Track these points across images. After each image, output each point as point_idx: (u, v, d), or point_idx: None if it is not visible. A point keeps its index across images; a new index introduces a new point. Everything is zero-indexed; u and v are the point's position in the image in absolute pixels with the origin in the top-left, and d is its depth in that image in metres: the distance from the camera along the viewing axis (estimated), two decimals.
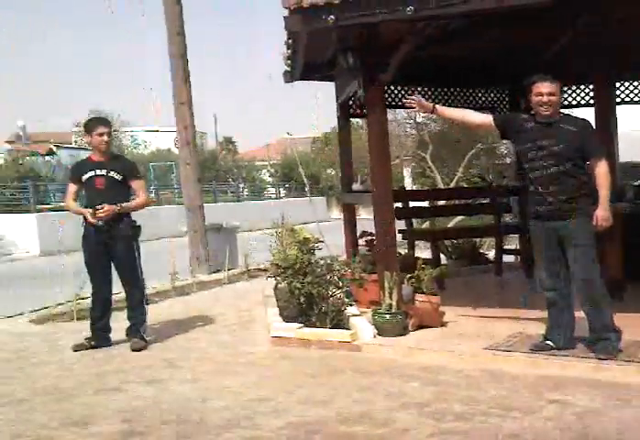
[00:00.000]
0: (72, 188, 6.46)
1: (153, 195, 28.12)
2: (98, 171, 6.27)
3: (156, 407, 4.49)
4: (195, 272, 11.42)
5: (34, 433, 4.07)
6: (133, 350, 6.19)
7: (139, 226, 6.42)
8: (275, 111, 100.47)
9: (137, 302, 6.43)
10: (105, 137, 6.29)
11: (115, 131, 47.67)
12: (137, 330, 6.38)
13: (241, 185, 36.02)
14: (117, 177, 6.28)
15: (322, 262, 6.47)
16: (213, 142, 48.64)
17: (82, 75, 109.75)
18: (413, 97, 5.54)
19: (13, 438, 4.00)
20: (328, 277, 6.36)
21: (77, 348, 6.30)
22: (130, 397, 4.76)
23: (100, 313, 6.43)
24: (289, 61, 7.60)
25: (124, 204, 6.21)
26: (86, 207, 6.25)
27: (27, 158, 26.44)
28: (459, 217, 17.53)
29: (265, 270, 9.78)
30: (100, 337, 6.41)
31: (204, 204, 12.87)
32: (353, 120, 9.43)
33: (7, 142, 39.79)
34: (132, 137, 40.29)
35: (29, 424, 4.24)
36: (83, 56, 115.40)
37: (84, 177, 6.31)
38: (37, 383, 5.26)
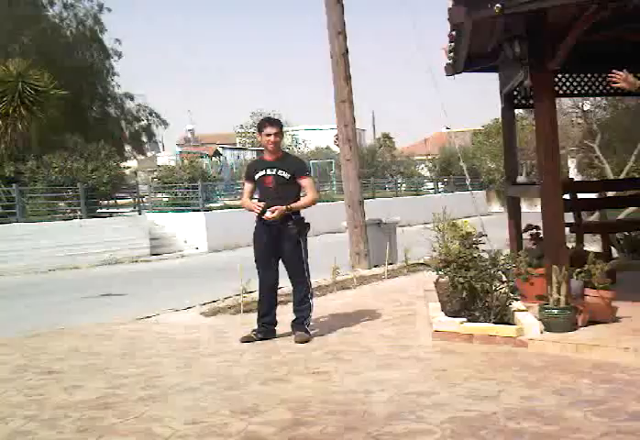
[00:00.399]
0: (247, 187, 6.73)
1: None
2: (268, 171, 6.48)
3: (321, 398, 4.57)
4: (356, 267, 11.56)
5: (207, 419, 4.25)
6: (297, 343, 6.34)
7: (308, 223, 6.57)
8: (434, 105, 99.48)
9: (303, 297, 6.57)
10: (272, 138, 6.45)
11: None
12: (301, 323, 6.53)
13: (399, 180, 35.98)
14: (286, 175, 6.45)
15: (485, 256, 6.34)
16: (371, 138, 48.95)
17: (243, 76, 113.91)
18: (619, 72, 5.27)
19: (187, 424, 4.20)
20: (492, 271, 6.22)
21: (245, 340, 6.54)
22: (296, 387, 4.88)
23: (267, 306, 6.62)
24: (451, 54, 7.47)
25: (293, 204, 6.37)
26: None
27: (198, 159, 27.78)
28: (631, 209, 16.61)
29: (425, 265, 9.73)
30: (266, 330, 6.61)
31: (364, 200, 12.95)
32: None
33: (178, 145, 42.08)
34: (293, 136, 41.26)
35: (203, 411, 4.44)
36: (243, 58, 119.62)
37: (257, 176, 6.55)
38: (208, 372, 5.50)
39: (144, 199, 22.52)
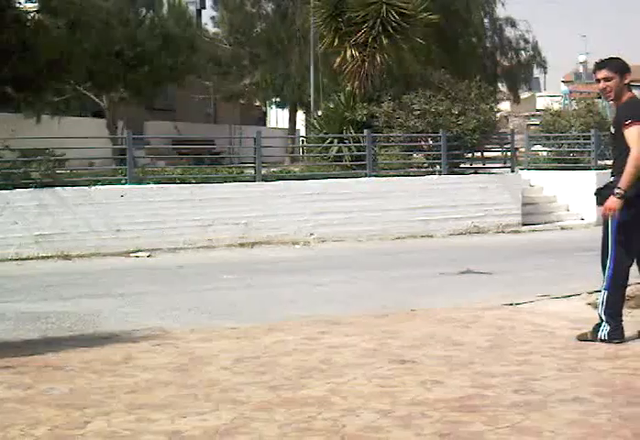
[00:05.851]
0: None
1: None
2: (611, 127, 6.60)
3: None
4: None
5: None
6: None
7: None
8: None
9: (606, 281, 6.47)
10: (601, 84, 6.35)
11: None
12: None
13: None
14: (612, 130, 6.44)
15: None
16: None
17: None
18: None
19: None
20: None
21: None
22: None
23: None
24: None
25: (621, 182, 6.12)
26: None
27: (593, 100, 26.76)
28: None
29: None
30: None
31: None
32: None
33: (564, 82, 41.33)
34: None
35: (594, 429, 4.47)
36: None
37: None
38: (600, 380, 5.53)
39: (518, 152, 22.47)
